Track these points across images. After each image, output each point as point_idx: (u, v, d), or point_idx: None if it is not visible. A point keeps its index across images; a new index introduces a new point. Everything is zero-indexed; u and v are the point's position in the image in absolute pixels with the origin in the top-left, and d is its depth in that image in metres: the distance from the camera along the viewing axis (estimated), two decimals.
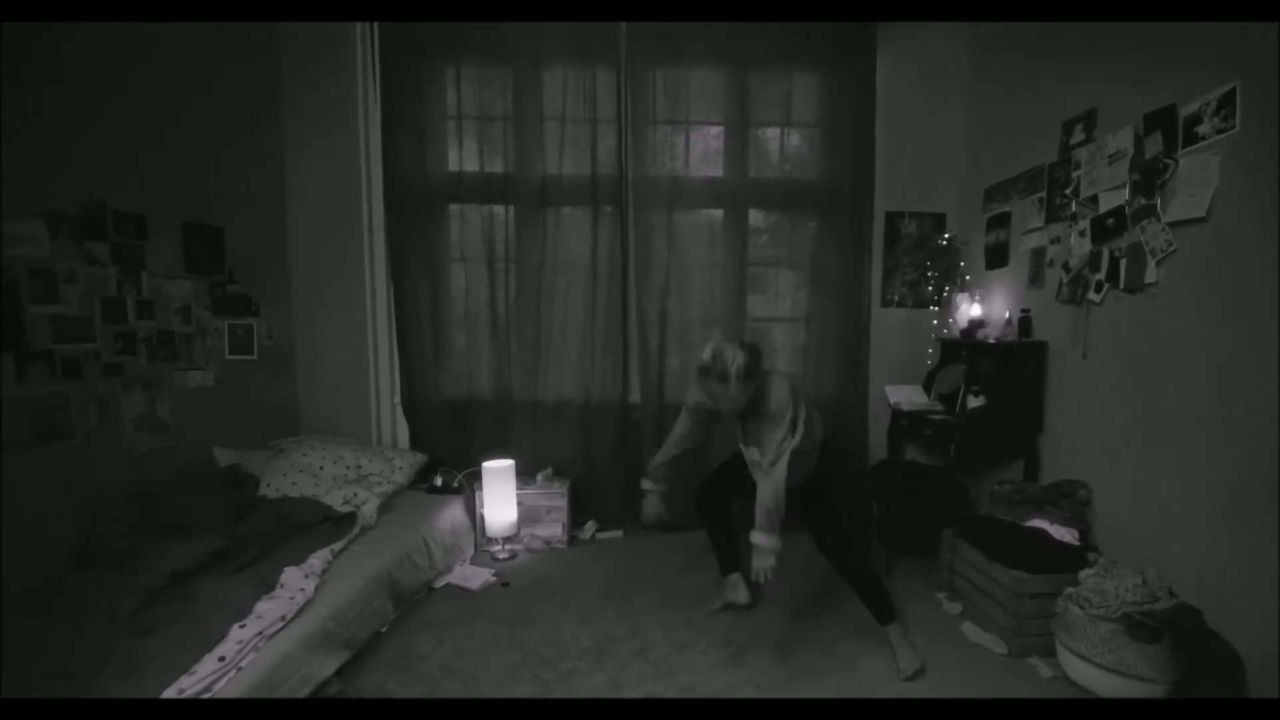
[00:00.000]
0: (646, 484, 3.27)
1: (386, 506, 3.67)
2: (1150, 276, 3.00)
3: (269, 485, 3.56)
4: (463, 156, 4.45)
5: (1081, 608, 2.74)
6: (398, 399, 4.50)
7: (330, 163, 4.39)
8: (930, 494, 3.85)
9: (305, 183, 4.39)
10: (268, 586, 2.59)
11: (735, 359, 2.71)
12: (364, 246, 4.42)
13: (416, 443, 4.48)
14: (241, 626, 2.28)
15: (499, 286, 4.44)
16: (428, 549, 3.45)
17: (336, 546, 3.04)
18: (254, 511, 3.27)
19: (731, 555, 3.48)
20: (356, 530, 3.27)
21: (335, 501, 3.43)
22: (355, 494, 3.50)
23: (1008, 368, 3.77)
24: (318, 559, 2.87)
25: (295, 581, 2.65)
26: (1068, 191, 3.52)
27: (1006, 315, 3.86)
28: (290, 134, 4.36)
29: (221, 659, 2.11)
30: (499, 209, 4.44)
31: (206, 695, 2.02)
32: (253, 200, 4.07)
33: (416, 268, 4.40)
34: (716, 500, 3.39)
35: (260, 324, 4.08)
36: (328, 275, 4.43)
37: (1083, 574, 2.87)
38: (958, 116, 4.56)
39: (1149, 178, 3.00)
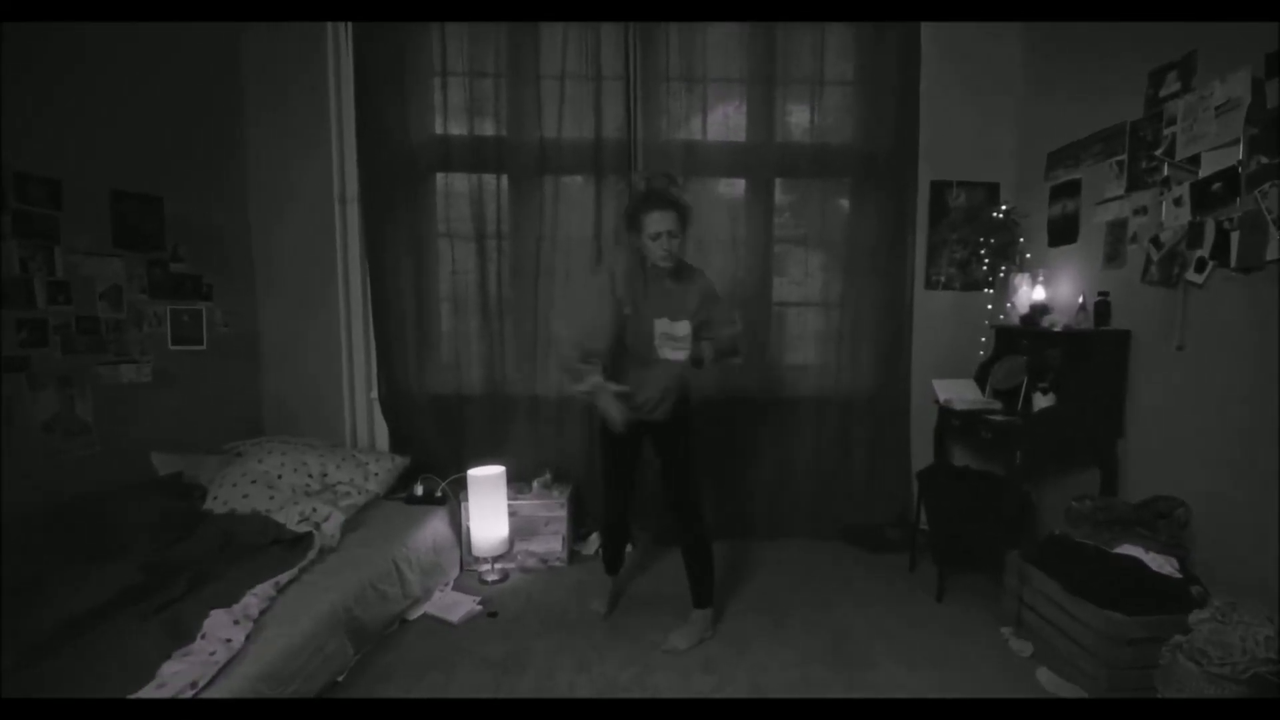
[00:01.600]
0: (588, 381, 2.62)
1: (356, 521, 3.16)
2: (1273, 252, 2.43)
3: (215, 498, 3.05)
4: (448, 118, 3.89)
5: (1197, 663, 2.20)
6: (375, 394, 3.97)
7: (297, 124, 3.85)
8: (989, 506, 3.29)
9: (269, 148, 3.85)
10: (184, 637, 2.07)
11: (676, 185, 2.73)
12: (336, 221, 3.88)
13: (397, 444, 3.96)
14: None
15: (490, 266, 3.90)
16: (399, 574, 2.93)
17: (284, 577, 2.52)
18: (193, 532, 2.76)
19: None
20: (313, 554, 2.74)
21: (290, 519, 2.91)
22: (315, 509, 2.98)
23: (1081, 360, 3.21)
24: (255, 597, 2.34)
25: (220, 630, 2.13)
26: (1158, 153, 2.95)
27: (1080, 299, 3.28)
28: (252, 90, 3.83)
29: None
30: (490, 178, 3.89)
31: None
32: (204, 166, 3.54)
33: (397, 245, 3.86)
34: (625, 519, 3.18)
35: (213, 309, 3.55)
36: (296, 253, 3.90)
37: (1194, 618, 2.32)
38: (1014, 70, 3.98)
39: (1272, 131, 2.43)
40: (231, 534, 2.74)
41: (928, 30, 3.87)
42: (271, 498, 3.07)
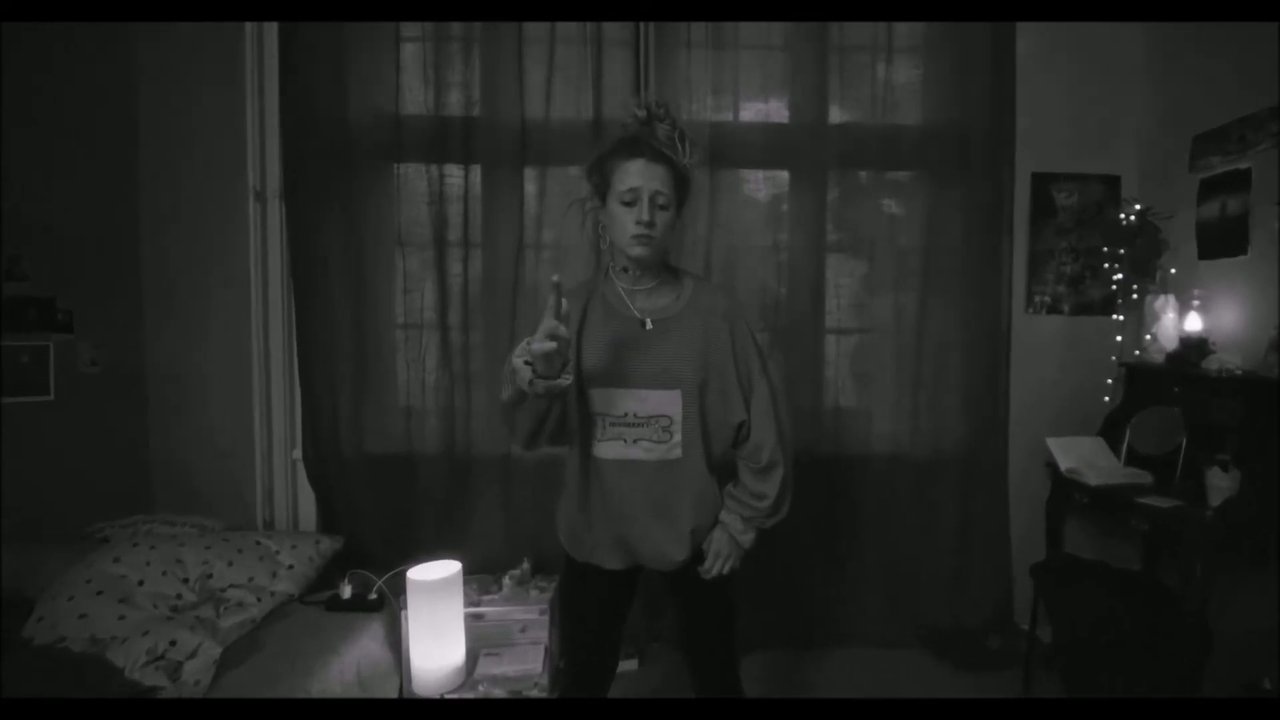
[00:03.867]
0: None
1: (251, 644, 2.22)
2: None
3: (41, 619, 2.13)
4: (402, 93, 2.99)
5: None
6: (298, 454, 3.04)
7: (205, 96, 2.96)
8: (1153, 630, 2.31)
9: (166, 125, 2.96)
10: None
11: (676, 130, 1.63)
12: (251, 223, 2.97)
13: (327, 520, 3.01)
14: None
15: (454, 283, 2.99)
16: None
17: None
18: None
19: None
20: None
21: (134, 659, 1.97)
22: (174, 641, 2.04)
23: (1274, 418, 2.25)
24: None
25: None
26: None
27: (1275, 332, 2.32)
28: (145, 48, 2.94)
29: None
30: (455, 169, 2.99)
31: None
32: (66, 146, 2.63)
33: (330, 255, 2.94)
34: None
35: (74, 343, 2.63)
36: (199, 266, 2.99)
37: None
38: (1141, 26, 3.06)
39: None
40: (32, 692, 1.81)
41: None
42: (122, 618, 2.13)
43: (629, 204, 1.55)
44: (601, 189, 1.62)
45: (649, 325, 1.65)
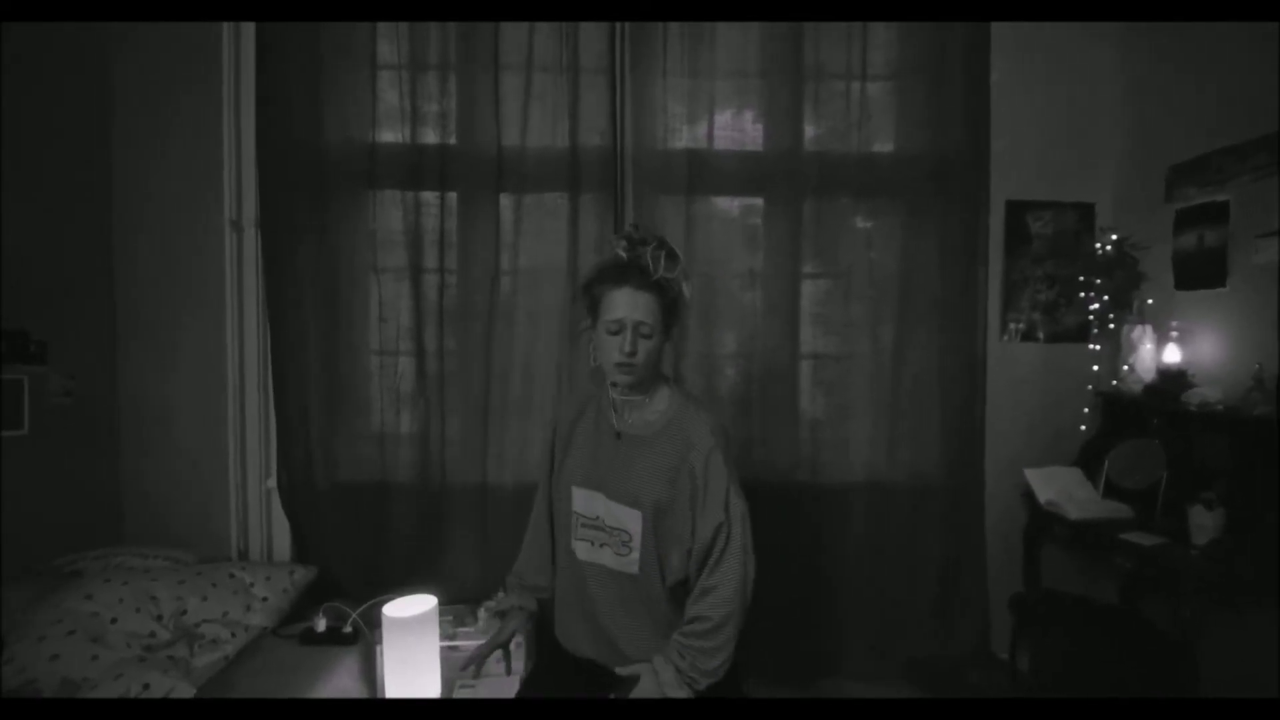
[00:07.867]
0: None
1: (223, 683, 2.21)
2: None
3: (10, 661, 2.11)
4: (378, 122, 2.99)
5: None
6: (272, 482, 3.01)
7: (182, 125, 2.95)
8: (1140, 668, 2.30)
9: (142, 154, 2.94)
10: None
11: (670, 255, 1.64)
12: (227, 251, 2.96)
13: (302, 549, 2.99)
14: None
15: (429, 310, 2.98)
16: None
17: None
18: None
19: None
20: None
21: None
22: (149, 682, 2.03)
23: (1257, 458, 2.24)
24: None
25: None
26: None
27: (1257, 368, 2.31)
28: (122, 77, 2.93)
29: None
30: (431, 197, 2.99)
31: None
32: (40, 173, 2.61)
33: (305, 282, 2.93)
34: None
35: (46, 375, 2.61)
36: (174, 294, 2.97)
37: None
38: (1117, 51, 3.09)
39: None
40: None
41: None
42: (95, 658, 2.12)
43: (614, 332, 1.61)
44: (592, 311, 1.69)
45: (620, 439, 1.71)
